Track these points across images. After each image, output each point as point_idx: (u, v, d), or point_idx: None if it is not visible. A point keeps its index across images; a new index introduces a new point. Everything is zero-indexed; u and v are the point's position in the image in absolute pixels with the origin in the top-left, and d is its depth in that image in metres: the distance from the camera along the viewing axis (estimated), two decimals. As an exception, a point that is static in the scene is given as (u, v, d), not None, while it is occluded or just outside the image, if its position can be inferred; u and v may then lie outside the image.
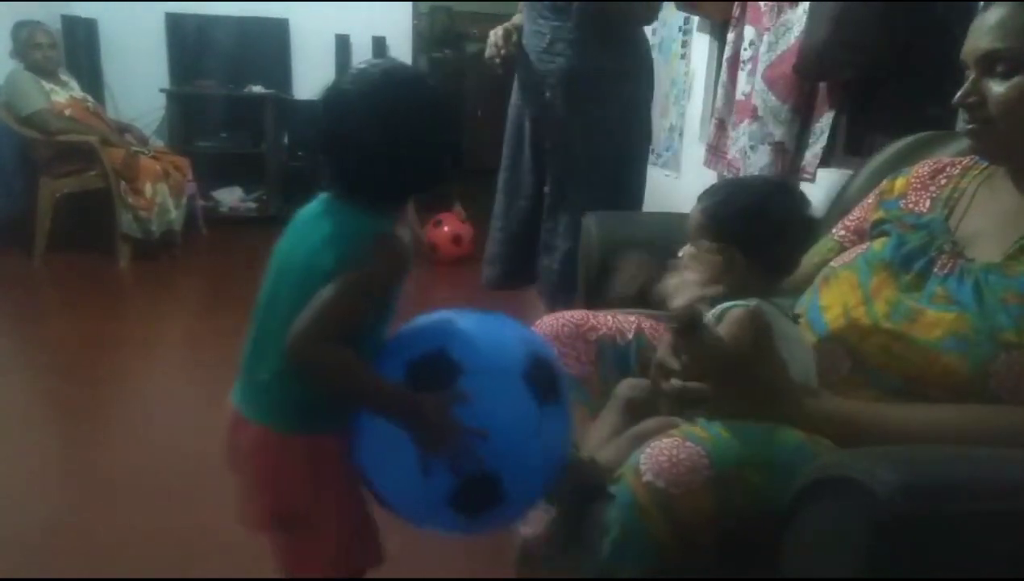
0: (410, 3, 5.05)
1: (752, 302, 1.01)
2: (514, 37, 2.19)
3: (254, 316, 1.01)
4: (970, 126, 1.03)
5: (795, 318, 1.09)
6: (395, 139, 0.93)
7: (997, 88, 0.97)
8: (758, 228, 1.05)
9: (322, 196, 1.01)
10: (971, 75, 1.00)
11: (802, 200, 1.11)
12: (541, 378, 0.96)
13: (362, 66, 0.98)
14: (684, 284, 0.97)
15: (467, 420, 0.89)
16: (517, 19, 2.21)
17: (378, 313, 0.97)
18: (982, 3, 1.03)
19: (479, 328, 1.00)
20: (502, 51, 2.18)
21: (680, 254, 1.11)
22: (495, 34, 2.20)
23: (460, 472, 0.90)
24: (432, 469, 0.90)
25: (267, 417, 0.99)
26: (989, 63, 0.97)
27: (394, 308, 1.00)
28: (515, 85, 2.24)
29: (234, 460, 1.04)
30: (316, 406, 0.97)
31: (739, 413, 0.96)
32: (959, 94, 1.01)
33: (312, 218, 1.00)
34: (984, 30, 0.98)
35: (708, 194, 1.11)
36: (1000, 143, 1.02)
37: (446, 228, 4.05)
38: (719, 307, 1.05)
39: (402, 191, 1.01)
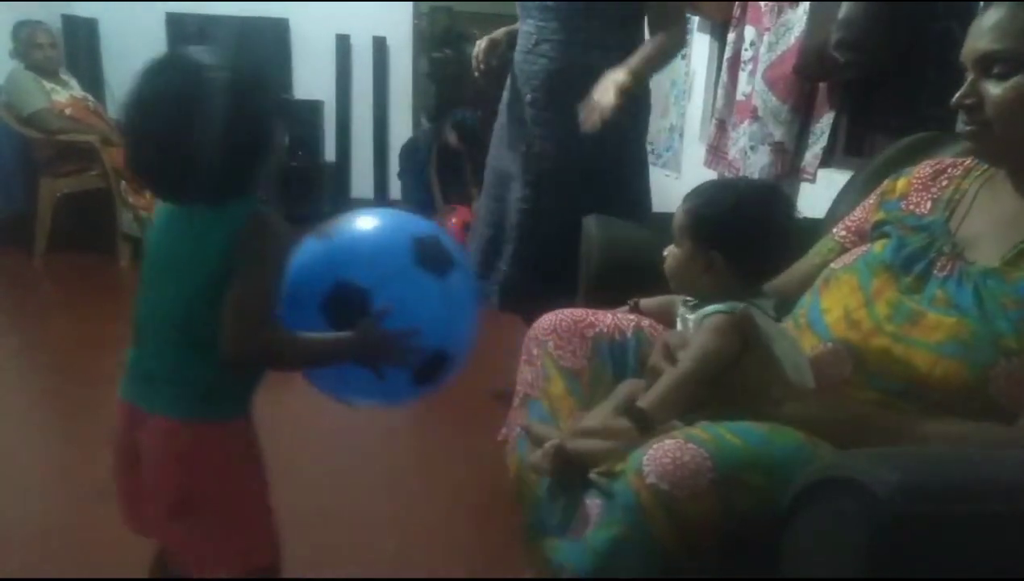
0: (411, 3, 5.05)
1: (726, 306, 1.02)
2: (500, 47, 2.15)
3: (137, 315, 1.04)
4: (968, 128, 1.02)
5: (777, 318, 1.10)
6: (203, 127, 0.92)
7: (994, 90, 0.96)
8: (739, 231, 1.06)
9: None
10: (970, 76, 1.00)
11: (787, 204, 1.11)
12: (430, 257, 1.07)
13: (144, 68, 0.97)
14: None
15: (394, 324, 1.00)
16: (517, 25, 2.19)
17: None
18: (982, 3, 1.03)
19: (361, 241, 1.09)
20: (481, 65, 2.16)
21: (665, 253, 1.13)
22: (478, 46, 2.18)
23: (412, 365, 1.04)
24: (386, 373, 1.03)
25: (171, 407, 0.99)
26: (987, 64, 0.97)
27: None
28: (507, 85, 2.21)
29: (129, 459, 1.03)
30: (218, 391, 1.00)
31: (738, 415, 0.96)
32: (957, 95, 1.01)
33: (178, 221, 1.00)
34: (983, 31, 0.98)
35: (693, 195, 1.12)
36: (998, 145, 1.01)
37: (454, 219, 4.10)
38: (700, 312, 1.06)
39: (241, 175, 0.98)
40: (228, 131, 0.92)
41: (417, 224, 1.13)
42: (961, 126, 1.05)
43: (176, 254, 0.99)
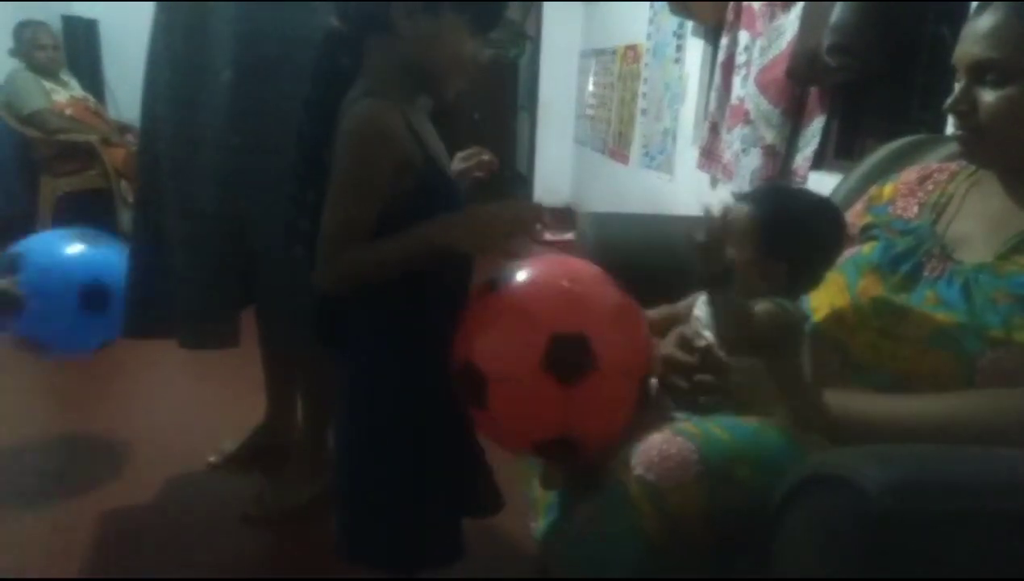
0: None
1: (767, 304, 1.00)
2: None
3: None
4: (960, 132, 1.02)
5: None
6: None
7: (987, 97, 0.96)
8: (809, 248, 1.05)
9: None
10: (961, 81, 1.00)
11: (844, 222, 1.11)
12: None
13: None
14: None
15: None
16: None
17: None
18: (973, 5, 1.03)
19: None
20: None
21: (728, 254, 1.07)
22: None
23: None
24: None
25: None
26: (980, 71, 0.97)
27: None
28: None
29: None
30: None
31: (752, 406, 0.97)
32: (949, 101, 1.01)
33: None
34: (975, 37, 0.97)
35: (758, 202, 1.07)
36: (989, 151, 1.02)
37: None
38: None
39: None
40: None
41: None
42: (952, 130, 1.06)
43: None
